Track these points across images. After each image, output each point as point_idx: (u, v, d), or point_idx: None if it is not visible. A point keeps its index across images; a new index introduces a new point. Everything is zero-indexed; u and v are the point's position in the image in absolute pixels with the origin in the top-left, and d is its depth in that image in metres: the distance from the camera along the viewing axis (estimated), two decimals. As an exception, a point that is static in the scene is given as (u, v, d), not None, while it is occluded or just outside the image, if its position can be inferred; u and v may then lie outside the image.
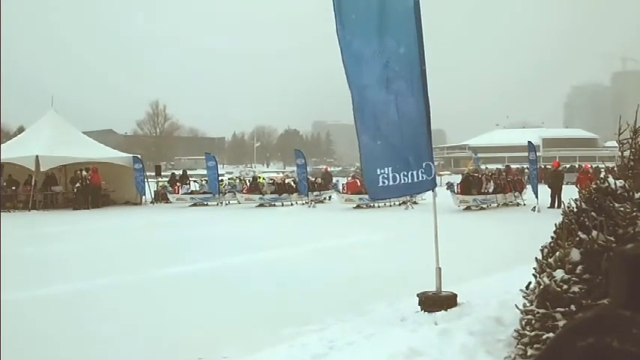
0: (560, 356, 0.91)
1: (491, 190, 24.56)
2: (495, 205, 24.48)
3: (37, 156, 26.92)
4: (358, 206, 25.92)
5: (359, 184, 27.10)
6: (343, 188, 27.99)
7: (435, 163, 8.14)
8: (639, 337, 0.90)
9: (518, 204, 25.41)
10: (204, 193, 30.48)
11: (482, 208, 23.93)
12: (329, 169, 44.41)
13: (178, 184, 31.68)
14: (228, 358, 6.05)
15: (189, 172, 36.69)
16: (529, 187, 26.03)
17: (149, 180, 32.30)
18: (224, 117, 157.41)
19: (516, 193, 25.72)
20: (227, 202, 29.66)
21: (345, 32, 7.54)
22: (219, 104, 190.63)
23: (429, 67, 7.32)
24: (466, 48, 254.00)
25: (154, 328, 7.40)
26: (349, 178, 30.51)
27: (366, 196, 24.98)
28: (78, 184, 28.29)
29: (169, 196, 30.23)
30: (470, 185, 24.62)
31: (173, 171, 41.92)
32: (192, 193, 30.74)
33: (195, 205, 29.21)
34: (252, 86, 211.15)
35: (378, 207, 25.37)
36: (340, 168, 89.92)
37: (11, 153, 27.49)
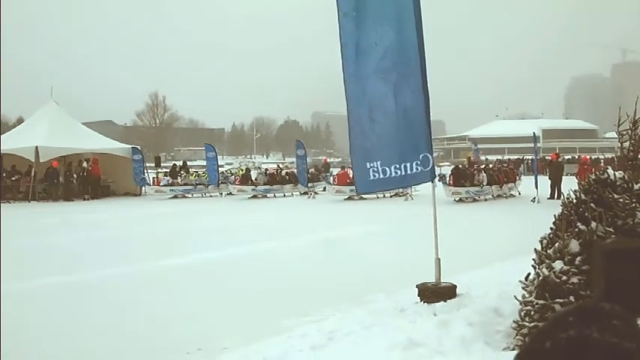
0: (542, 348, 0.93)
1: (484, 183, 24.30)
2: (489, 196, 24.28)
3: (36, 147, 26.89)
4: (350, 197, 25.63)
5: (350, 175, 26.89)
6: (334, 180, 27.69)
7: (435, 154, 8.11)
8: (619, 328, 0.91)
9: (512, 195, 25.40)
10: (185, 184, 29.98)
11: (475, 200, 23.68)
12: (328, 160, 44.39)
13: (159, 175, 31.37)
14: (228, 349, 6.06)
15: (189, 163, 36.62)
16: (523, 179, 26.20)
17: (149, 171, 32.27)
18: (223, 108, 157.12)
19: (510, 185, 25.67)
20: (222, 193, 29.65)
21: (347, 22, 7.52)
22: (218, 95, 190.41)
23: (428, 59, 7.30)
24: (466, 39, 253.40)
25: (153, 320, 7.42)
26: (339, 170, 30.22)
27: None
28: (75, 175, 28.39)
29: (147, 188, 29.61)
30: (460, 177, 24.37)
31: (174, 162, 41.82)
32: (172, 184, 30.06)
33: (175, 197, 28.80)
34: (252, 77, 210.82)
35: (371, 199, 25.05)
36: (340, 159, 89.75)
37: (11, 144, 27.45)
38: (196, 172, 33.81)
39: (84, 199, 27.75)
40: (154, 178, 30.66)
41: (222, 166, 37.29)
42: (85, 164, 28.68)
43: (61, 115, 30.73)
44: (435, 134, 12.30)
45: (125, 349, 6.37)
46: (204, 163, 35.54)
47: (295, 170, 31.06)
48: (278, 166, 37.54)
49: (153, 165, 35.50)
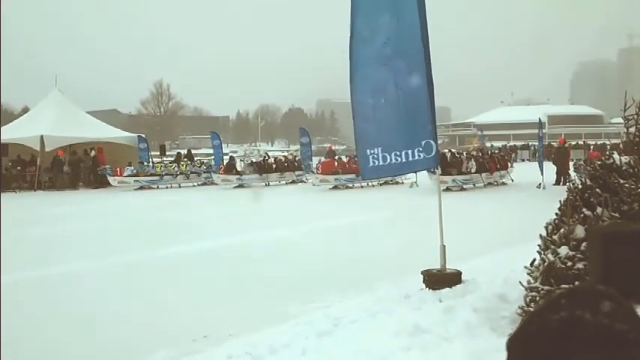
0: (535, 330, 0.94)
1: (473, 170, 23.51)
2: (480, 184, 23.65)
3: (41, 136, 26.94)
4: (335, 187, 24.87)
5: (336, 164, 26.24)
6: (317, 169, 26.64)
7: (440, 141, 8.10)
8: (612, 309, 0.92)
9: (504, 183, 25.13)
10: (151, 175, 28.38)
11: (462, 189, 22.61)
12: (333, 148, 44.37)
13: (117, 168, 30.31)
14: (233, 336, 6.08)
15: (193, 152, 36.63)
16: (515, 166, 26.12)
17: (154, 159, 32.29)
18: (228, 96, 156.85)
19: (502, 172, 25.28)
20: (196, 183, 29.04)
21: (354, 10, 7.51)
22: (223, 83, 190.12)
23: (432, 44, 7.25)
24: (471, 24, 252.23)
25: (159, 307, 7.45)
26: (322, 158, 29.55)
27: (343, 177, 24.67)
28: (81, 165, 28.50)
29: (110, 179, 27.65)
30: (447, 165, 22.85)
31: (178, 150, 41.79)
32: (136, 175, 28.24)
33: (142, 188, 27.32)
34: (256, 65, 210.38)
35: (360, 187, 24.53)
36: (345, 146, 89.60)
37: (16, 133, 27.53)
38: (200, 160, 33.75)
39: (90, 188, 27.84)
40: (116, 168, 28.56)
41: (227, 154, 37.23)
42: (90, 153, 28.75)
43: (66, 104, 30.77)
44: (440, 121, 12.22)
45: (131, 336, 6.39)
46: (209, 151, 35.57)
47: (295, 157, 30.96)
48: (290, 153, 37.05)
49: (158, 153, 35.43)
